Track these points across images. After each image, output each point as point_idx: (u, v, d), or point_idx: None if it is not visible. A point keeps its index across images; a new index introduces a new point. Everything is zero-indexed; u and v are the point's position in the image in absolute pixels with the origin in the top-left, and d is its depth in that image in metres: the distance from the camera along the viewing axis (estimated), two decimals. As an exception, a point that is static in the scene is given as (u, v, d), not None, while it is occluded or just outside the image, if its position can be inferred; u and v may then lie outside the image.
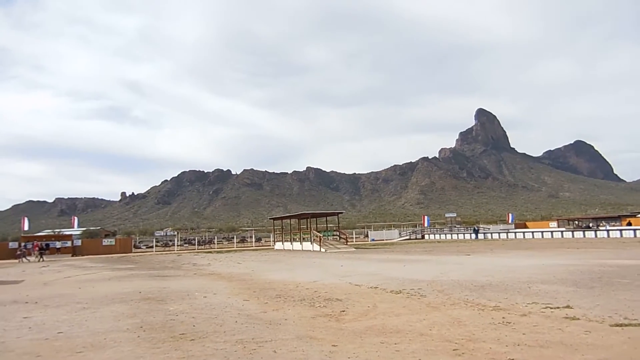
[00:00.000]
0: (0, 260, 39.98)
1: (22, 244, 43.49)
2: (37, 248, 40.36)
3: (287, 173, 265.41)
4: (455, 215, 79.88)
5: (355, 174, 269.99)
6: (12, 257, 39.92)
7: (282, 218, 48.57)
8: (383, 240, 56.99)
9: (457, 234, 56.89)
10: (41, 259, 38.59)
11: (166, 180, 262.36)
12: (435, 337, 6.18)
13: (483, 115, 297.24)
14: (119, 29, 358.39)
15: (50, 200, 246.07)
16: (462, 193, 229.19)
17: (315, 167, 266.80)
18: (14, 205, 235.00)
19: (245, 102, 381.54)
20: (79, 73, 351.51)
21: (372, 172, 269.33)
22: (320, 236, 37.57)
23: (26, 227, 51.40)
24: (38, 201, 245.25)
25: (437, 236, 58.34)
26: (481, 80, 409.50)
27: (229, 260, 26.75)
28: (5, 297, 12.36)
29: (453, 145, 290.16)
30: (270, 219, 57.32)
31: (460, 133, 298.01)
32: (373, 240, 57.81)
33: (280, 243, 44.54)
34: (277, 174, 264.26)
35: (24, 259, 37.81)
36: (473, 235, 51.75)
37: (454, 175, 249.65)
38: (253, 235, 66.33)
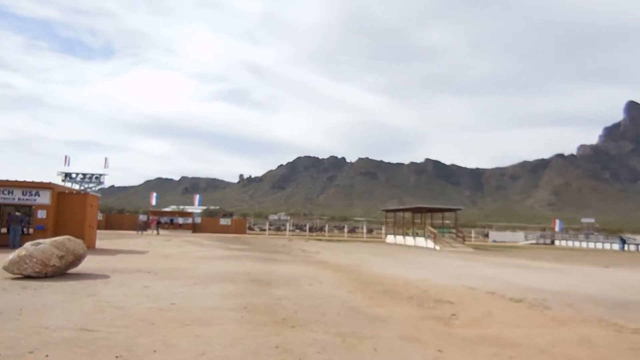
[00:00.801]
0: (131, 231, 44.82)
1: (149, 217, 48.36)
2: (154, 222, 44.58)
3: (403, 164, 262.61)
4: (593, 221, 72.83)
5: (477, 168, 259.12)
6: (141, 228, 44.57)
7: (395, 210, 48.15)
8: (505, 242, 53.96)
9: (595, 242, 51.89)
10: (157, 232, 42.60)
11: (282, 165, 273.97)
12: (558, 356, 5.62)
13: (634, 109, 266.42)
14: (243, 12, 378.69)
15: (177, 179, 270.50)
16: (604, 197, 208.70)
17: (433, 158, 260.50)
18: (146, 181, 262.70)
19: (362, 88, 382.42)
20: (205, 56, 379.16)
21: (497, 168, 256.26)
22: (435, 232, 36.67)
23: (154, 202, 57.14)
24: (166, 178, 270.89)
25: (570, 243, 53.76)
26: (632, 68, 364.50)
27: (338, 250, 27.17)
28: (132, 266, 13.79)
29: (595, 142, 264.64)
30: (383, 210, 57.13)
31: (605, 128, 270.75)
32: (494, 241, 55.01)
33: (392, 236, 44.24)
34: (393, 164, 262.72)
35: (142, 232, 42.05)
36: (617, 246, 46.80)
37: (594, 175, 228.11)
38: (364, 226, 66.71)
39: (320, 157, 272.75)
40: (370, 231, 63.83)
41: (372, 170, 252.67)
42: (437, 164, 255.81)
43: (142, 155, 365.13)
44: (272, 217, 77.17)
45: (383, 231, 52.74)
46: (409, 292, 10.52)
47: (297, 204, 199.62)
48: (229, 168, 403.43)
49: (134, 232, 41.91)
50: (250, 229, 61.08)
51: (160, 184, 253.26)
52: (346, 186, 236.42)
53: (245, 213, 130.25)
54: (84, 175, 43.80)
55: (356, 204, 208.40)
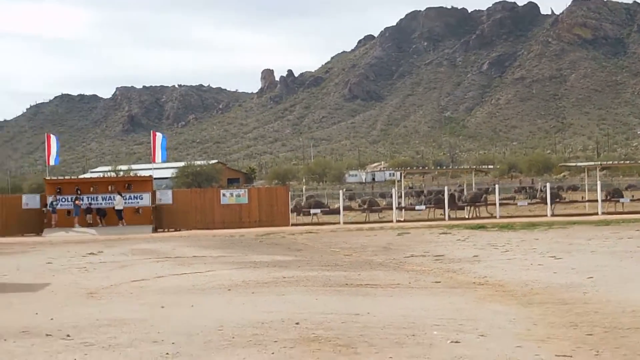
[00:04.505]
0: (4, 238, 46.27)
1: (51, 197, 49.65)
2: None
3: None
4: None
5: None
6: (35, 225, 45.96)
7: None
8: None
9: None
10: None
11: (370, 37, 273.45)
12: None
13: None
14: None
15: (106, 95, 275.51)
16: None
17: None
18: (33, 106, 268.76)
19: None
20: None
21: None
22: None
23: (53, 162, 58.37)
24: (80, 97, 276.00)
25: None
26: None
27: (527, 248, 27.48)
28: (10, 320, 14.33)
29: None
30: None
31: None
32: None
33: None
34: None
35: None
36: None
37: None
38: (598, 183, 65.91)
39: (472, 10, 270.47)
40: (616, 193, 62.63)
41: (615, 34, 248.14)
42: None
43: (11, 41, 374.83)
44: (353, 175, 77.74)
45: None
46: None
47: (417, 138, 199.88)
48: (238, 57, 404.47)
49: (29, 237, 43.67)
50: (301, 210, 61.67)
51: (66, 112, 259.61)
52: (544, 80, 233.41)
53: (285, 171, 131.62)
54: None
55: (576, 123, 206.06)
